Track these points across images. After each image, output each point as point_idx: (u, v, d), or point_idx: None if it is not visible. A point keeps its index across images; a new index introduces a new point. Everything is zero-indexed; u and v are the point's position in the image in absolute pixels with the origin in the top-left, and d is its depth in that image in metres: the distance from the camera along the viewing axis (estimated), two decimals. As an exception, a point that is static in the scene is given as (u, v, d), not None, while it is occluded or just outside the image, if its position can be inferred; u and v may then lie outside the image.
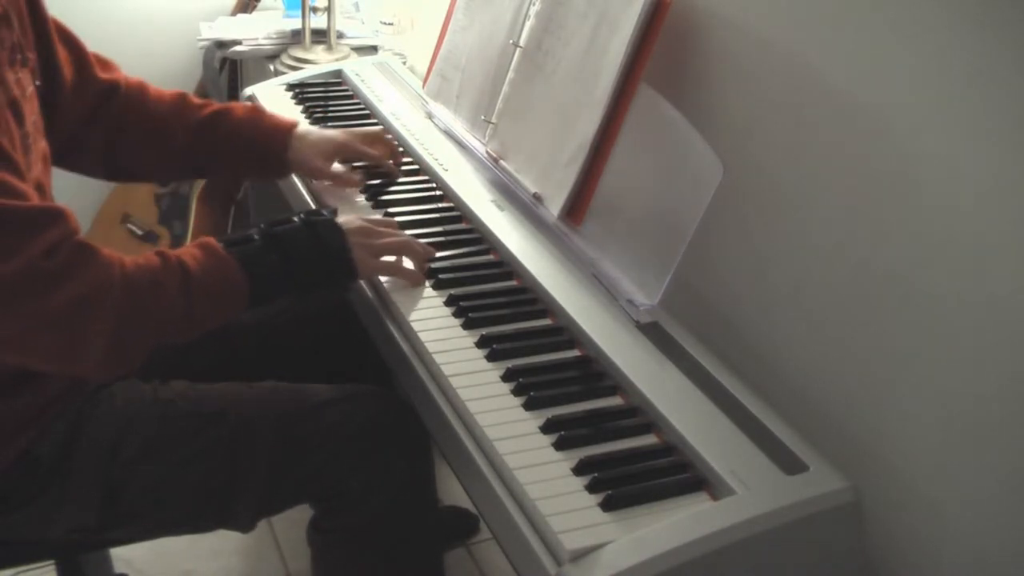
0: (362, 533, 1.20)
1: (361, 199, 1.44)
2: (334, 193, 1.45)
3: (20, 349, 1.03)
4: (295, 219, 1.19)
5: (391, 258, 1.23)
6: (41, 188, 1.12)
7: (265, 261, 1.13)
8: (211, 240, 1.13)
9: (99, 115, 1.33)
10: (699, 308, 1.27)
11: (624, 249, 1.22)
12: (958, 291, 0.96)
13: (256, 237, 1.15)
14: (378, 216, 1.37)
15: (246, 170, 1.46)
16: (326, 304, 1.43)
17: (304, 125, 1.46)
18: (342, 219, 1.21)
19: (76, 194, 1.51)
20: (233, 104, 1.43)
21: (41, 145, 1.14)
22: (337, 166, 1.46)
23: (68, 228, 1.03)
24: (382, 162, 1.50)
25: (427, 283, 1.24)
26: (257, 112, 1.44)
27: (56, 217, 1.03)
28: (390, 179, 1.49)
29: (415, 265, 1.24)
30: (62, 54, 1.25)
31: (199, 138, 1.38)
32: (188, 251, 1.10)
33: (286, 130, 1.42)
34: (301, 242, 1.16)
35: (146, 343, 1.07)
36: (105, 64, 1.35)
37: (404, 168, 1.53)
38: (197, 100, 1.41)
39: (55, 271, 1.00)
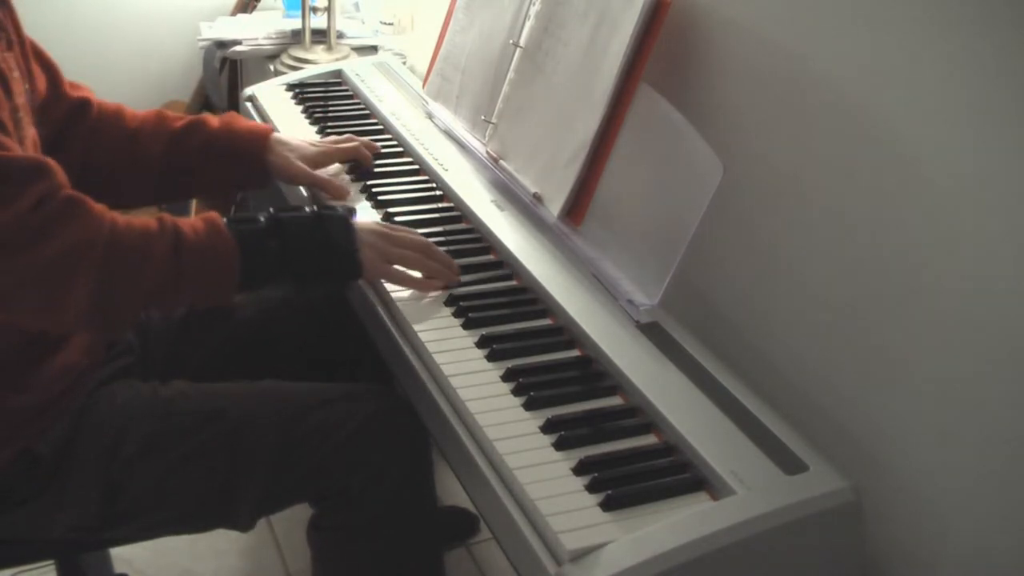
0: (361, 532, 1.20)
1: (361, 198, 1.44)
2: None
3: (5, 303, 1.03)
4: (307, 209, 1.18)
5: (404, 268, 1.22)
6: None
7: (263, 245, 1.12)
8: (216, 215, 1.12)
9: (72, 133, 1.31)
10: (700, 308, 1.27)
11: (624, 249, 1.22)
12: (959, 290, 0.97)
13: (261, 220, 1.14)
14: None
15: (226, 178, 1.43)
16: (327, 302, 1.43)
17: (280, 133, 1.44)
18: (359, 220, 1.21)
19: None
20: (206, 115, 1.42)
21: (31, 132, 1.14)
22: (320, 173, 1.44)
23: (55, 181, 1.03)
24: (360, 153, 1.49)
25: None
26: (232, 118, 1.42)
27: (42, 170, 1.02)
28: (367, 163, 1.50)
29: (432, 275, 1.22)
30: (35, 68, 1.24)
31: (175, 149, 1.36)
32: (189, 221, 1.10)
33: (263, 134, 1.41)
34: (306, 232, 1.15)
35: (131, 304, 1.07)
36: (76, 86, 1.34)
37: (404, 168, 1.53)
38: (172, 115, 1.40)
39: (42, 224, 1.00)
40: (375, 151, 1.53)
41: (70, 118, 1.31)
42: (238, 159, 1.40)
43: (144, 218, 1.08)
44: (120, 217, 1.06)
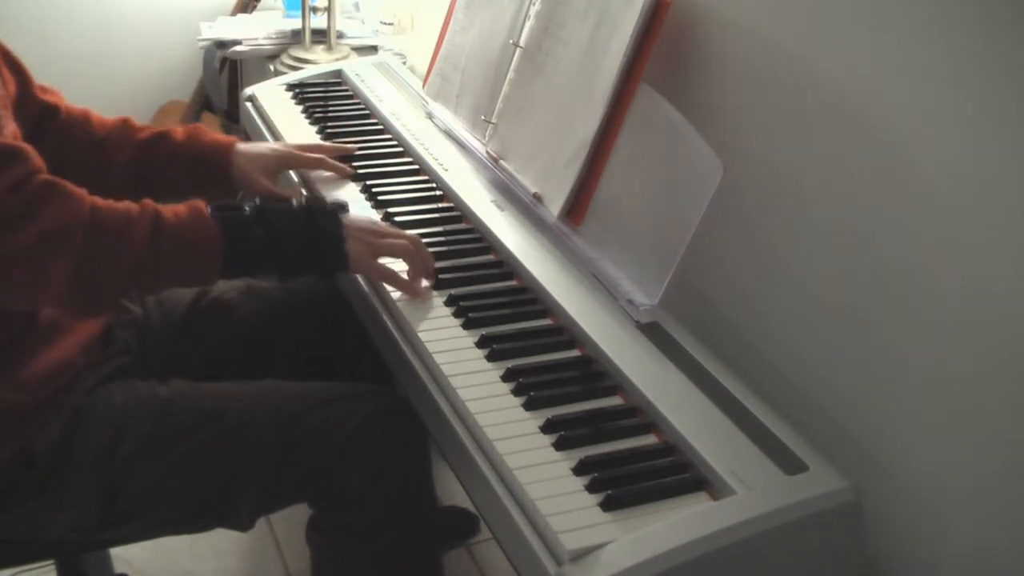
0: (361, 533, 1.19)
1: (361, 198, 1.44)
2: (331, 192, 1.45)
3: None
4: (294, 201, 1.19)
5: (391, 264, 1.22)
6: None
7: (248, 232, 1.13)
8: (200, 202, 1.13)
9: (42, 138, 1.30)
10: (700, 308, 1.27)
11: (624, 249, 1.22)
12: (959, 290, 0.97)
13: (247, 208, 1.15)
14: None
15: (189, 188, 1.41)
16: (326, 301, 1.43)
17: (243, 143, 1.43)
18: (351, 214, 1.21)
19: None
20: (173, 127, 1.42)
21: (12, 127, 1.14)
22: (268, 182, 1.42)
23: (31, 165, 1.04)
24: (326, 165, 1.48)
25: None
26: (197, 131, 1.41)
27: (17, 154, 1.03)
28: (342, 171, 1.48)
29: (416, 273, 1.22)
30: (5, 72, 1.24)
31: (140, 159, 1.36)
32: (172, 206, 1.11)
33: (226, 147, 1.40)
34: (292, 222, 1.16)
35: (111, 286, 1.08)
36: (46, 89, 1.34)
37: (404, 168, 1.53)
38: (138, 124, 1.39)
39: (20, 207, 1.01)
40: (349, 153, 1.52)
41: (40, 122, 1.31)
42: (202, 173, 1.40)
43: (126, 202, 1.09)
44: (101, 200, 1.07)
